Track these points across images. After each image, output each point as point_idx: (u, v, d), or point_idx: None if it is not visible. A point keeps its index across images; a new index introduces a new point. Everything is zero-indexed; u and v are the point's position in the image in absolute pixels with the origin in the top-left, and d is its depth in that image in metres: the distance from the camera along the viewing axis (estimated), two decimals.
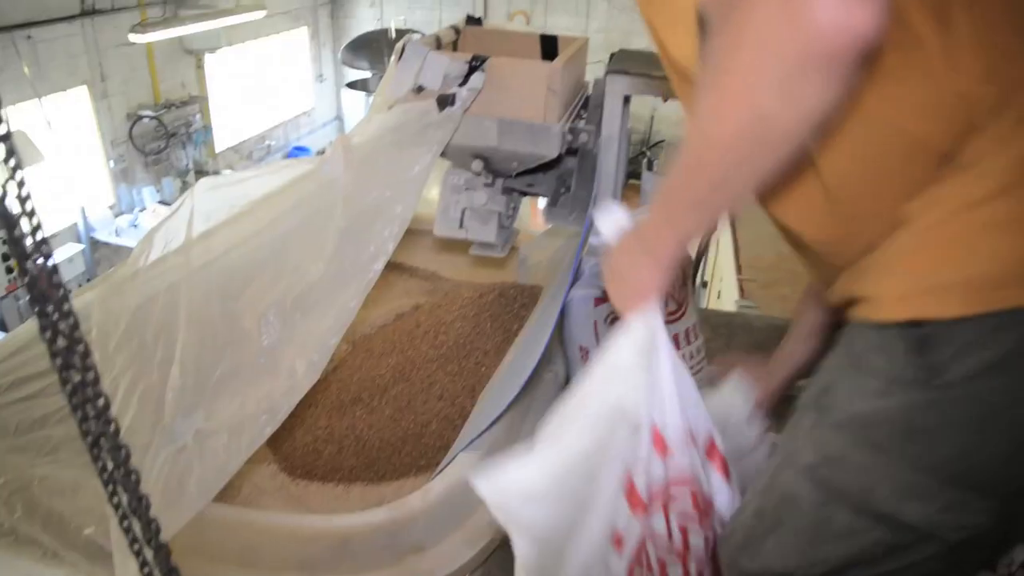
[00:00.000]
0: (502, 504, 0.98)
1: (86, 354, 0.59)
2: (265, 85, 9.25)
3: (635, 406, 0.91)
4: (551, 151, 1.50)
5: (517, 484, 0.97)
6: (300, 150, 9.73)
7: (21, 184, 0.50)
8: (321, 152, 10.27)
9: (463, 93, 1.43)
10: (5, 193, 0.49)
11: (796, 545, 0.77)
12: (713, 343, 1.92)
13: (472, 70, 1.46)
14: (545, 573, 1.01)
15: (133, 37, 4.86)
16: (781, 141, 0.63)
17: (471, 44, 1.77)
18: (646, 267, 0.85)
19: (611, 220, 0.94)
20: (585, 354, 1.58)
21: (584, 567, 1.01)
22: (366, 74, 9.64)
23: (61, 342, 0.57)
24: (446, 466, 1.34)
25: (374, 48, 9.32)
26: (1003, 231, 0.63)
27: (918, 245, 0.67)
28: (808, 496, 0.75)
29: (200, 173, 8.01)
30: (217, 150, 8.59)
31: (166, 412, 1.33)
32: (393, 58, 1.50)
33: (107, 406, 0.62)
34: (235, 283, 1.55)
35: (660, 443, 0.92)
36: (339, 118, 10.79)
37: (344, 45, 9.60)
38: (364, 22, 10.40)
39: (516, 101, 1.47)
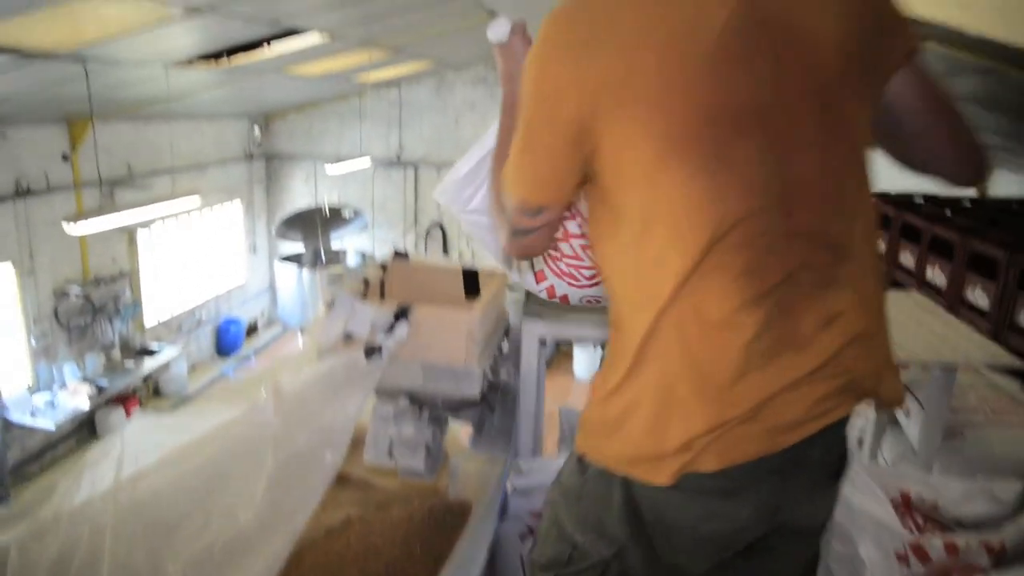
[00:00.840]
0: (446, 192, 1.57)
1: None
2: (198, 257, 9.32)
3: None
4: (473, 391, 1.60)
5: (454, 173, 1.55)
6: (231, 322, 9.68)
7: None
8: (253, 324, 10.27)
9: (389, 344, 1.54)
10: None
11: (538, 544, 1.27)
12: None
13: (397, 319, 1.58)
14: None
15: (68, 228, 4.90)
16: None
17: (398, 280, 1.91)
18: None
19: (498, 31, 1.30)
20: None
21: None
22: (300, 247, 9.87)
23: None
24: None
25: (308, 223, 9.60)
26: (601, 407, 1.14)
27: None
28: (546, 518, 1.26)
29: (126, 348, 7.85)
30: (147, 324, 8.47)
31: None
32: (322, 307, 1.61)
33: None
34: (162, 529, 1.55)
35: None
36: (272, 288, 10.84)
37: (279, 221, 9.83)
38: (298, 196, 10.71)
39: (439, 346, 1.59)
